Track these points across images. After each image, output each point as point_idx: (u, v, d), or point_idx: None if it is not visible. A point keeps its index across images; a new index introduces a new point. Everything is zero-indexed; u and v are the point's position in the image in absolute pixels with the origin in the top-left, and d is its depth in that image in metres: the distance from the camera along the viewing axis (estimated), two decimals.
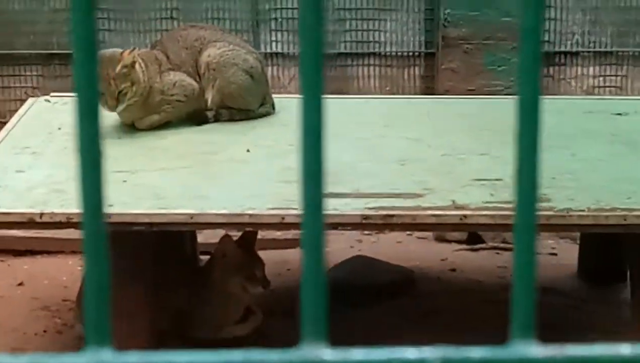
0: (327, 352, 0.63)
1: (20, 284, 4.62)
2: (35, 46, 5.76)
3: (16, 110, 4.79)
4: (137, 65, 3.91)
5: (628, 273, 4.10)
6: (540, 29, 0.67)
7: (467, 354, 0.58)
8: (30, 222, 3.28)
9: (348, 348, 0.62)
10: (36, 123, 4.12)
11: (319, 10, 0.65)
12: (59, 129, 4.01)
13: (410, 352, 0.58)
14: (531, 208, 0.66)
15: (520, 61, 0.67)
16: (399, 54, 6.01)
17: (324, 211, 0.69)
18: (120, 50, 3.98)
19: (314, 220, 0.67)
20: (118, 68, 3.83)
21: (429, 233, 5.21)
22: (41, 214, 3.25)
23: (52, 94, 4.53)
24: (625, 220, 3.33)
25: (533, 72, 0.67)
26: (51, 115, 4.20)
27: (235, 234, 3.91)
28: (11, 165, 3.66)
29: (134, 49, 3.99)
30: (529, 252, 0.63)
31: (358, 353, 0.60)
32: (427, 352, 0.57)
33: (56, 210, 3.24)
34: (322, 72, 0.68)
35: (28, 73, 5.83)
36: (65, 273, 4.70)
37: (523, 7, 0.67)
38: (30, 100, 4.45)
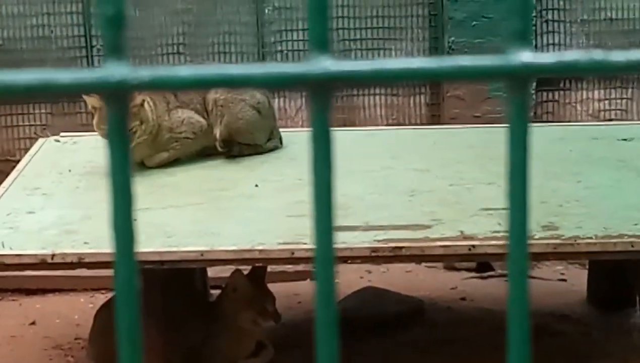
0: None
1: (32, 323, 4.64)
2: None
3: (25, 149, 4.84)
4: (145, 104, 3.95)
5: (638, 298, 4.12)
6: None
7: None
8: (42, 263, 3.31)
9: None
10: (47, 163, 4.15)
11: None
12: (70, 170, 4.04)
13: None
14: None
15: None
16: (405, 82, 6.04)
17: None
18: None
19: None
20: None
21: (439, 262, 5.22)
22: (53, 255, 3.28)
23: (61, 133, 4.57)
24: (632, 246, 3.34)
25: (521, 154, 0.71)
26: (61, 156, 4.23)
27: (245, 268, 3.93)
28: (22, 206, 3.69)
29: None
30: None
31: None
32: None
33: (67, 251, 3.27)
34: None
35: (37, 111, 5.88)
36: (77, 311, 4.72)
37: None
38: (40, 141, 4.48)
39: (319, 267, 0.71)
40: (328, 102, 0.71)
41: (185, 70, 0.70)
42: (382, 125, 5.93)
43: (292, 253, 3.30)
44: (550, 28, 5.91)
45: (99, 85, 0.69)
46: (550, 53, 0.72)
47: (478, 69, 0.70)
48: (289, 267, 4.77)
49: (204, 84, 0.71)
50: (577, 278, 4.97)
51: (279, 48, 5.89)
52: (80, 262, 3.26)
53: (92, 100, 3.95)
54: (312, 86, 0.70)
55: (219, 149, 4.16)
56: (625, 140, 4.39)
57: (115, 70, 0.69)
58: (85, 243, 3.30)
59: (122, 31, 0.69)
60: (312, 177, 0.71)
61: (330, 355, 0.71)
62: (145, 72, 0.69)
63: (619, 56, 0.68)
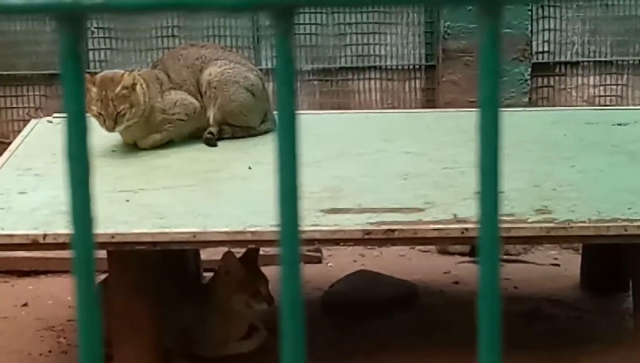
0: None
1: (25, 305, 4.63)
2: (38, 67, 5.79)
3: (19, 131, 4.82)
4: (138, 87, 3.93)
5: (630, 283, 4.12)
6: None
7: None
8: (34, 244, 3.30)
9: None
10: (39, 144, 4.14)
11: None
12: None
13: None
14: (494, 224, 0.68)
15: (481, 71, 0.69)
16: (400, 67, 6.03)
17: (299, 234, 0.71)
18: (121, 71, 4.01)
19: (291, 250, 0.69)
20: (117, 89, 3.85)
21: (432, 247, 5.22)
22: (44, 235, 3.27)
23: (54, 114, 4.56)
24: (626, 230, 3.34)
25: (493, 82, 0.69)
26: (54, 136, 4.22)
27: (239, 251, 3.93)
28: (14, 186, 3.68)
29: (132, 70, 4.01)
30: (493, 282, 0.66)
31: None
32: None
33: (60, 231, 3.26)
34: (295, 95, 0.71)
35: (30, 93, 5.86)
36: (69, 292, 4.71)
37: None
38: (33, 121, 4.47)
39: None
40: (291, 26, 0.69)
41: None
42: (377, 109, 5.92)
43: None
44: (546, 13, 5.90)
45: (51, 6, 0.67)
46: None
47: None
48: None
49: (161, 6, 0.68)
50: (570, 263, 4.97)
51: (274, 32, 5.87)
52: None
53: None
54: (276, 9, 0.69)
55: (207, 137, 4.14)
56: (619, 124, 4.39)
57: None
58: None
59: None
60: (278, 108, 0.69)
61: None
62: None
63: None
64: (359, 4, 0.69)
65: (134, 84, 3.91)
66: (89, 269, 0.69)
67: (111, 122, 3.85)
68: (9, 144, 4.43)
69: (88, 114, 3.92)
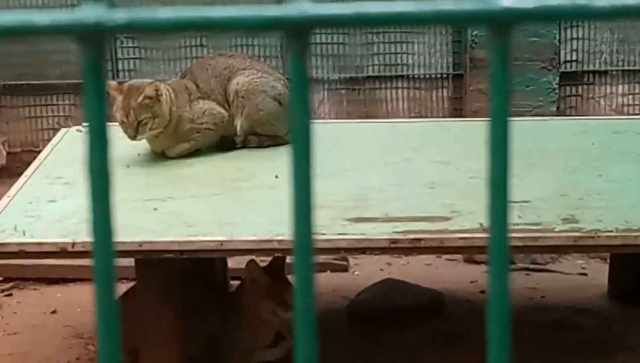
0: None
1: (54, 312, 4.67)
2: (67, 76, 5.85)
3: (48, 140, 4.87)
4: (162, 98, 3.96)
5: None
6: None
7: None
8: (62, 252, 3.33)
9: None
10: (69, 153, 4.17)
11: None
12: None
13: None
14: (503, 230, 0.69)
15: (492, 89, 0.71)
16: (427, 76, 6.04)
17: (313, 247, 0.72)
18: (149, 81, 4.04)
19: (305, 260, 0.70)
20: (140, 99, 3.87)
21: (459, 255, 5.21)
22: (73, 244, 3.29)
23: (84, 123, 4.59)
24: None
25: (503, 97, 0.70)
26: (83, 145, 4.25)
27: (265, 259, 3.94)
28: (44, 195, 3.71)
29: (153, 82, 4.02)
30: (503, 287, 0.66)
31: None
32: None
33: (88, 239, 3.28)
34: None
35: (60, 102, 5.91)
36: None
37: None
38: (62, 131, 4.51)
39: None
40: (306, 46, 0.70)
41: (163, 13, 0.68)
42: (404, 118, 5.93)
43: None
44: (574, 22, 5.89)
45: (74, 26, 0.68)
46: None
47: (459, 14, 0.69)
48: None
49: (182, 27, 0.70)
50: (598, 272, 4.95)
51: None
52: None
53: (111, 89, 3.97)
54: (291, 29, 0.70)
55: (237, 142, 4.18)
56: None
57: (91, 12, 0.68)
58: None
59: None
60: (292, 123, 0.70)
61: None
62: (122, 15, 0.68)
63: (602, 2, 0.67)
64: (371, 24, 0.70)
65: (159, 95, 3.94)
66: (109, 279, 0.70)
67: (132, 130, 3.88)
68: (39, 152, 4.47)
69: (115, 123, 3.96)
